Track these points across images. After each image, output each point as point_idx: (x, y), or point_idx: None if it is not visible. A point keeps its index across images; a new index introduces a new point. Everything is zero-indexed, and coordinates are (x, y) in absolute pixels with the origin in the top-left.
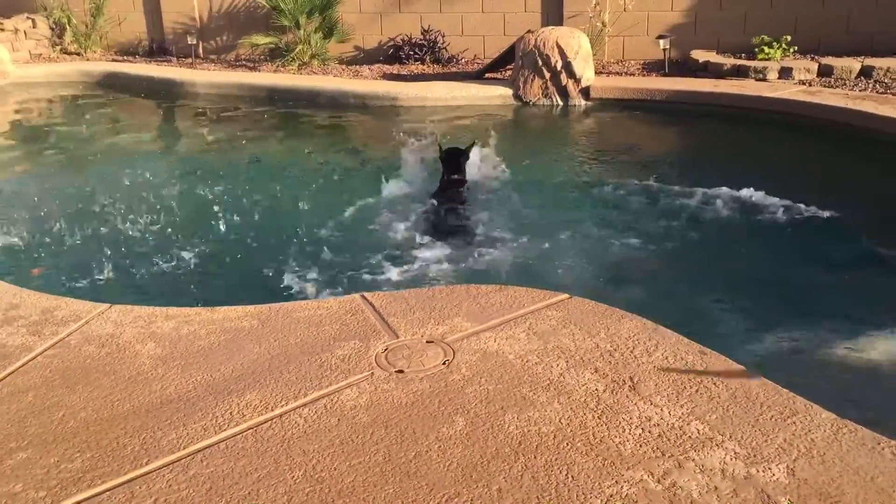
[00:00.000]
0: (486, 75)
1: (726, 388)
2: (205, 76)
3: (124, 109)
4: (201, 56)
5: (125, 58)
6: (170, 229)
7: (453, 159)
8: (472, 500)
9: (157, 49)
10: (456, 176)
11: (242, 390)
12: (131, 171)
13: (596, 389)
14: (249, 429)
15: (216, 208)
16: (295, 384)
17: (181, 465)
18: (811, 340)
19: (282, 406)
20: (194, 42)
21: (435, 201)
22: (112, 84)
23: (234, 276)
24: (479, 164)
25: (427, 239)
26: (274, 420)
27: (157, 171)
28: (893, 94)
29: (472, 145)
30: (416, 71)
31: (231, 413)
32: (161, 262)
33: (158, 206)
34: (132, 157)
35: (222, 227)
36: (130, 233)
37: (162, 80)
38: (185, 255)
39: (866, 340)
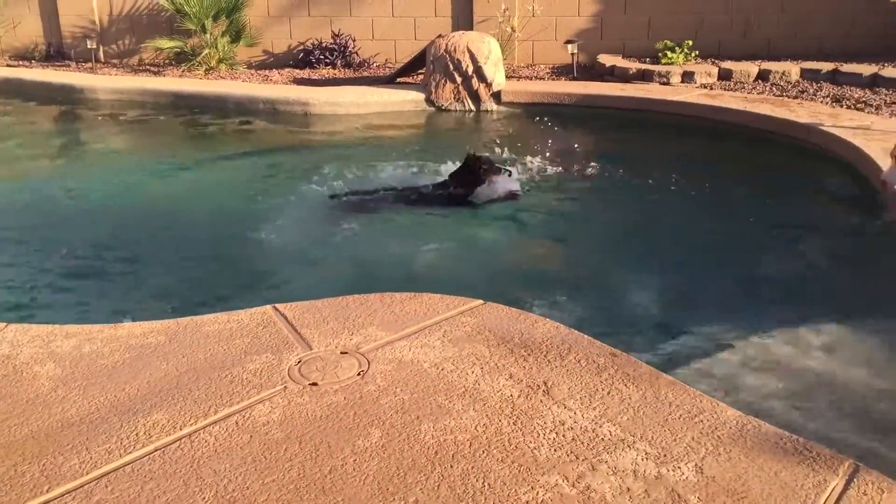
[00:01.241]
0: (398, 80)
1: (637, 389)
2: (106, 81)
3: (20, 117)
4: (102, 61)
5: (21, 63)
6: (68, 243)
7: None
8: None
9: (55, 53)
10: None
11: (149, 410)
12: (26, 183)
13: (511, 395)
14: (157, 450)
15: (118, 219)
16: (204, 401)
17: (84, 491)
18: (718, 336)
19: (191, 425)
20: (94, 46)
21: None
22: (7, 90)
23: (139, 291)
24: None
25: None
26: (183, 440)
27: (53, 181)
28: (789, 97)
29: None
30: (327, 75)
31: (137, 434)
32: (61, 278)
33: (55, 219)
34: (27, 168)
35: (124, 239)
36: (24, 248)
37: (60, 85)
38: (87, 270)
39: (767, 333)
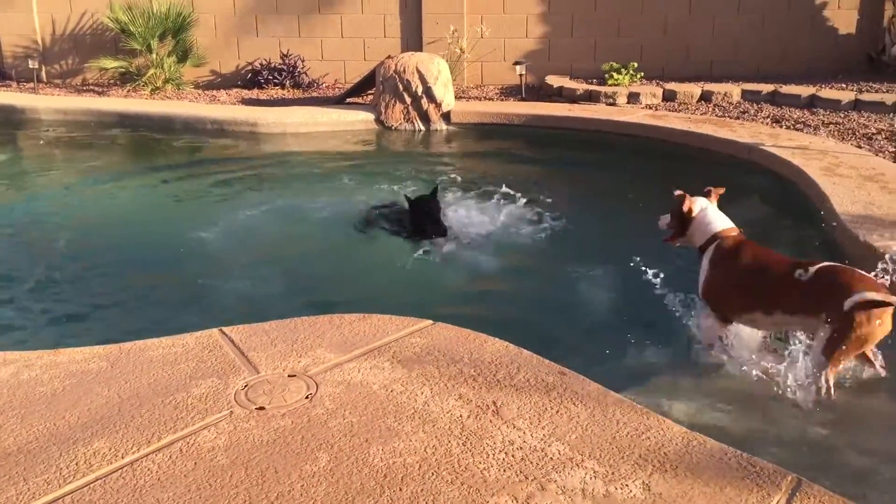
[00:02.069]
0: (348, 100)
1: (585, 408)
2: (48, 102)
3: None
4: (45, 81)
5: None
6: (4, 266)
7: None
8: None
9: None
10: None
11: (89, 438)
12: None
13: (460, 416)
14: (97, 479)
15: (57, 242)
16: (147, 428)
17: None
18: (665, 356)
19: (133, 453)
20: (36, 66)
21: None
22: None
23: (80, 315)
24: None
25: None
26: (125, 468)
27: None
28: (731, 118)
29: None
30: (276, 96)
31: (77, 463)
32: None
33: None
34: None
35: (63, 262)
36: None
37: (0, 106)
38: (25, 294)
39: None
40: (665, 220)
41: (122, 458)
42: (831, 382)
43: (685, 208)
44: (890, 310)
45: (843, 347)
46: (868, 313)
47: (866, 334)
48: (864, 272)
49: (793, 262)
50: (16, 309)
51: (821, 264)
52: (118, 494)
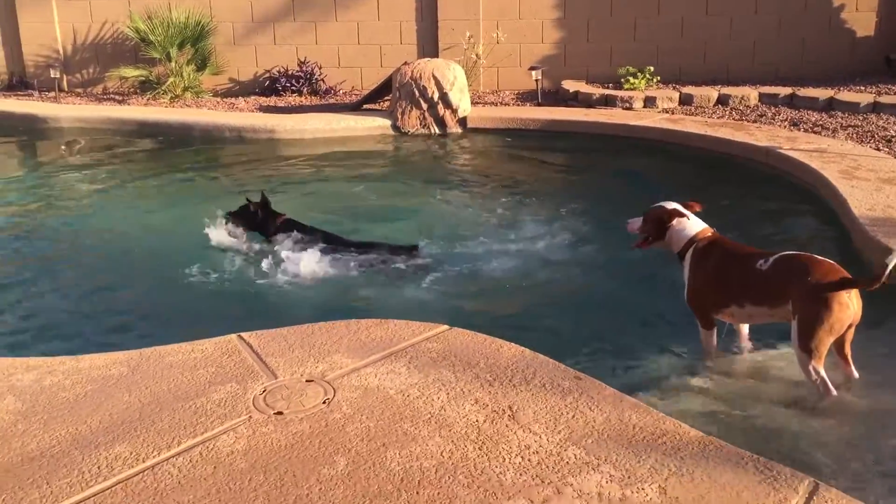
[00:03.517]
0: (364, 107)
1: (601, 412)
2: (70, 111)
3: None
4: (66, 90)
5: None
6: (28, 273)
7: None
8: None
9: (18, 83)
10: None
11: (111, 442)
12: None
13: (476, 420)
14: (119, 483)
15: (78, 249)
16: (168, 433)
17: None
18: (681, 361)
19: (154, 457)
20: (58, 75)
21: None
22: None
23: (102, 322)
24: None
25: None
26: (146, 472)
27: (15, 212)
28: (748, 121)
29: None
30: (293, 103)
31: (99, 467)
32: (20, 311)
33: (13, 251)
34: None
35: (84, 269)
36: None
37: (23, 115)
38: (47, 302)
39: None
40: (635, 223)
41: (144, 461)
42: (823, 375)
43: (672, 220)
44: (854, 291)
45: (816, 336)
46: (829, 297)
47: (834, 319)
48: (822, 258)
49: (758, 253)
50: (37, 316)
51: (781, 253)
52: (139, 497)
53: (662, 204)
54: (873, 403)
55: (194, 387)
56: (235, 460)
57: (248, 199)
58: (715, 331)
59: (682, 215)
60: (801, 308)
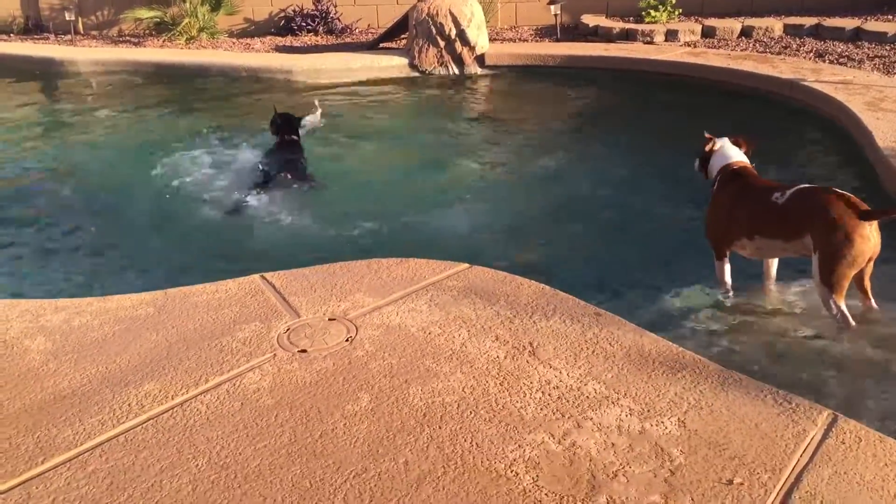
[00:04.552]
0: (381, 45)
1: (620, 347)
2: (86, 53)
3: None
4: (81, 32)
5: None
6: (52, 216)
7: (288, 122)
8: (379, 474)
9: (34, 26)
10: (292, 137)
11: (140, 381)
12: (8, 159)
13: (497, 356)
14: (149, 419)
15: (100, 192)
16: (195, 371)
17: (79, 461)
18: (701, 297)
19: (182, 394)
20: (73, 18)
21: (266, 160)
22: None
23: (127, 263)
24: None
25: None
26: (175, 409)
27: (36, 154)
28: (772, 53)
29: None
30: (309, 43)
31: (129, 405)
32: (46, 253)
33: (37, 194)
34: (8, 142)
35: (108, 211)
36: (4, 224)
37: (40, 59)
38: (72, 243)
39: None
40: (697, 163)
41: (172, 399)
42: (843, 309)
43: (707, 148)
44: (874, 224)
45: (837, 270)
46: (850, 231)
47: (856, 253)
48: (841, 190)
49: (776, 186)
50: (63, 257)
51: (797, 186)
52: (169, 433)
53: (711, 137)
54: (893, 336)
55: (220, 326)
56: (262, 397)
57: (274, 108)
58: (727, 262)
59: (721, 146)
60: (821, 242)
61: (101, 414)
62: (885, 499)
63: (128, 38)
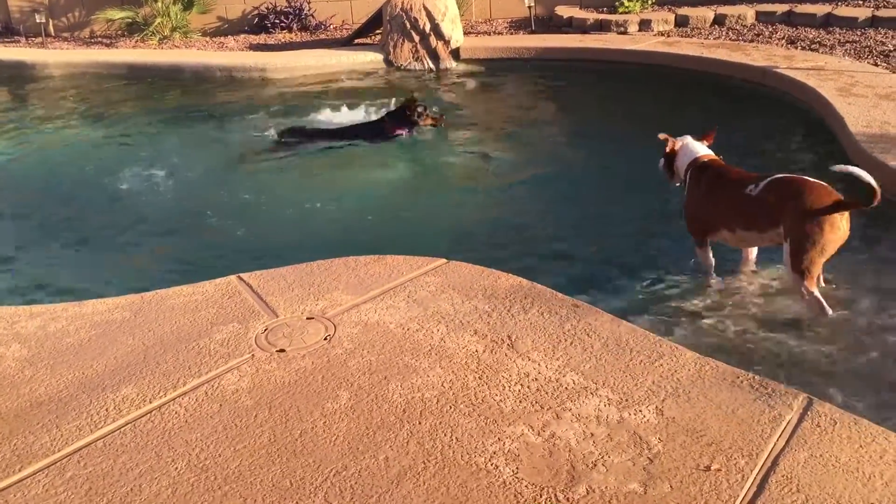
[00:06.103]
0: (356, 41)
1: (598, 338)
2: (58, 56)
3: None
4: (52, 35)
5: None
6: (23, 221)
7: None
8: (359, 471)
9: (4, 29)
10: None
11: (117, 385)
12: None
13: (476, 350)
14: (127, 424)
15: (73, 193)
16: (173, 374)
17: (57, 467)
18: (676, 285)
19: (160, 397)
20: (43, 20)
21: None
22: None
23: (102, 267)
24: None
25: None
26: (153, 412)
27: (7, 158)
28: (745, 41)
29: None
30: (283, 40)
31: (107, 409)
32: (20, 258)
33: (9, 196)
34: None
35: (79, 213)
36: None
37: (11, 62)
38: (47, 247)
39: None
40: (661, 163)
41: (150, 402)
42: (817, 295)
43: (668, 149)
44: (844, 214)
45: (808, 257)
46: (822, 219)
47: (826, 241)
48: (813, 179)
49: (748, 177)
50: (35, 263)
51: (771, 177)
52: (148, 437)
53: (668, 137)
54: (867, 321)
55: (197, 328)
56: (240, 398)
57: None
58: (709, 248)
59: (684, 144)
60: (793, 230)
61: (79, 419)
62: (860, 480)
63: (100, 39)
